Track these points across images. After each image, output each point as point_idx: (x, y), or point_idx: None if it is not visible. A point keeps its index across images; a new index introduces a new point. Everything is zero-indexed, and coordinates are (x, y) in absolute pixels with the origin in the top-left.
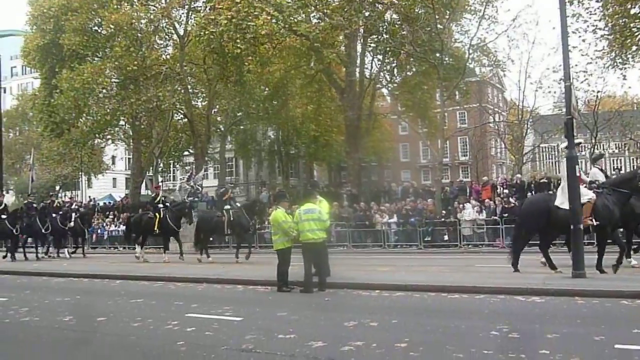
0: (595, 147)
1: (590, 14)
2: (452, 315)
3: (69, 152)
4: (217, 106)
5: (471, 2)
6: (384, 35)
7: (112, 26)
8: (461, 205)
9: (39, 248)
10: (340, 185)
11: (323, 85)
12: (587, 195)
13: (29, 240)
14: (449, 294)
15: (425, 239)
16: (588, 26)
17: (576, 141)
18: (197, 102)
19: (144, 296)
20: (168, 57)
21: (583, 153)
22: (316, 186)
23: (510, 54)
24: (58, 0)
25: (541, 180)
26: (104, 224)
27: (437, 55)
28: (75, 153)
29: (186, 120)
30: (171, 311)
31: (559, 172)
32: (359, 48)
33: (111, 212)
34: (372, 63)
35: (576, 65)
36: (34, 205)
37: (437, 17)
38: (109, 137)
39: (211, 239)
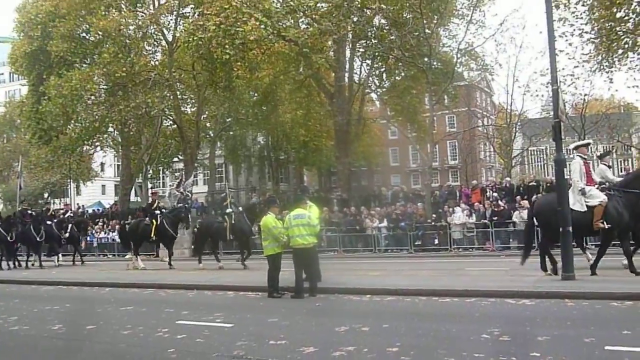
0: None
1: (577, 18)
2: (443, 319)
3: (57, 159)
4: (207, 112)
5: (459, 6)
6: (373, 40)
7: (100, 32)
8: (451, 209)
9: (30, 257)
10: (330, 190)
11: (312, 90)
12: (598, 197)
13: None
14: (440, 298)
15: (416, 243)
16: (575, 30)
17: (585, 142)
18: (186, 108)
19: (134, 303)
20: (157, 63)
21: (592, 154)
22: (306, 191)
23: (498, 58)
24: (46, 7)
25: (530, 183)
26: (93, 231)
27: (426, 59)
28: (64, 160)
29: (175, 126)
30: (161, 318)
31: (549, 175)
32: (347, 53)
33: (100, 220)
34: (361, 68)
35: (563, 68)
36: (29, 212)
37: (425, 22)
38: (97, 143)
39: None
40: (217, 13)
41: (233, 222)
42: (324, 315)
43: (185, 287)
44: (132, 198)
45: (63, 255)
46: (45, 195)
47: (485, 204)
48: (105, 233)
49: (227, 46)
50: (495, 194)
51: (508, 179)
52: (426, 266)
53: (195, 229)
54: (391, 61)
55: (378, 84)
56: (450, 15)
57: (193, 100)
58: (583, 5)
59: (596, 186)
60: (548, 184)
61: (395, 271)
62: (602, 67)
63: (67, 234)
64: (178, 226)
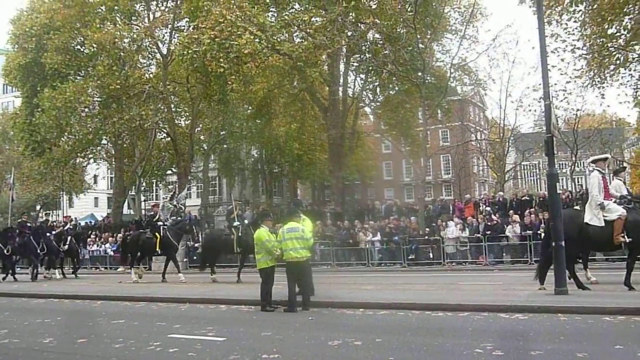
0: (576, 164)
1: (569, 34)
2: (436, 333)
3: (50, 172)
4: (201, 125)
5: (452, 22)
6: (367, 54)
7: (94, 45)
8: (444, 223)
9: (28, 269)
10: (323, 204)
11: (306, 104)
12: (617, 211)
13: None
14: (433, 312)
15: (409, 257)
16: (567, 46)
17: (604, 156)
18: (180, 121)
19: (126, 317)
20: (151, 76)
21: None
22: (299, 205)
23: (491, 73)
24: (40, 19)
25: (523, 198)
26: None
27: (419, 74)
28: (57, 172)
29: (169, 139)
30: (154, 332)
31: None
32: (341, 67)
33: (93, 232)
34: (355, 82)
35: (555, 84)
36: (28, 224)
37: (418, 36)
38: (90, 156)
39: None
40: (212, 27)
41: (240, 234)
42: (317, 329)
43: (178, 300)
44: (125, 211)
45: (59, 267)
46: (38, 207)
47: (479, 218)
48: (97, 246)
49: (221, 59)
50: (488, 208)
51: (501, 193)
52: (419, 280)
53: (189, 242)
54: (385, 75)
55: (372, 98)
56: (444, 31)
57: (187, 113)
58: (575, 21)
59: (614, 200)
60: (541, 199)
61: (388, 285)
62: (594, 82)
63: (66, 246)
64: (181, 238)
